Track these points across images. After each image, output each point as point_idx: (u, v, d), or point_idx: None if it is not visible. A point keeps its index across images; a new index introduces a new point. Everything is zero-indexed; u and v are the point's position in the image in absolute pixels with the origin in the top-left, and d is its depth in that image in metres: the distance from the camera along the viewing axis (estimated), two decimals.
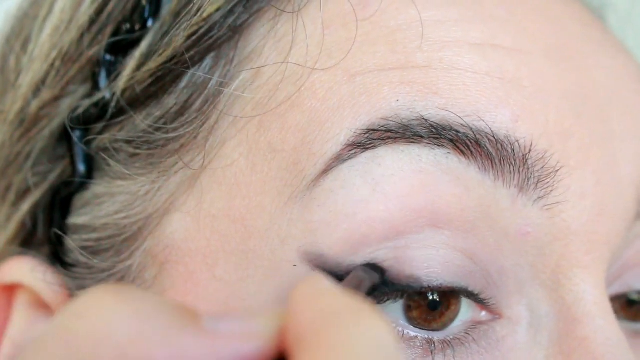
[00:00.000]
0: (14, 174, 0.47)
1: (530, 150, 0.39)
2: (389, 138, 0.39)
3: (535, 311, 0.40)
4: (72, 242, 0.44)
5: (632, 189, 0.42)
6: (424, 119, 0.39)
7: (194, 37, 0.41)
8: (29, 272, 0.46)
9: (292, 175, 0.39)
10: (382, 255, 0.39)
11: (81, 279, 0.44)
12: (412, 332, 0.39)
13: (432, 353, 0.39)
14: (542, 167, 0.40)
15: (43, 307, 0.46)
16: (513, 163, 0.39)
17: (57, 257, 0.46)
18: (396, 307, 0.39)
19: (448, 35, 0.40)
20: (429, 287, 0.39)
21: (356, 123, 0.39)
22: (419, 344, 0.39)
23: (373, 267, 0.39)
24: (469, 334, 0.39)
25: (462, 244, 0.39)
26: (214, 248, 0.40)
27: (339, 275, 0.38)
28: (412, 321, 0.39)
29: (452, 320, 0.40)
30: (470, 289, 0.39)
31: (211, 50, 0.42)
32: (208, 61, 0.42)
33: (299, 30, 0.41)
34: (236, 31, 0.41)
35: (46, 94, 0.45)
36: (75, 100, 0.45)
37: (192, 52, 0.41)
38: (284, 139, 0.40)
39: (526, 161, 0.39)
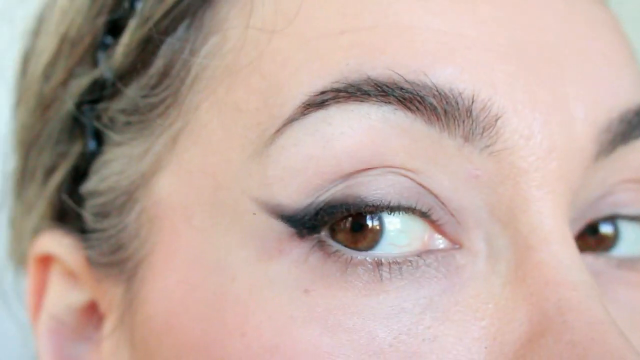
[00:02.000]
0: (37, 155, 0.52)
1: (473, 101, 0.40)
2: (340, 98, 0.41)
3: (494, 244, 0.41)
4: (86, 209, 0.49)
5: (588, 128, 0.42)
6: (370, 78, 0.41)
7: (167, 8, 0.45)
8: (58, 243, 0.50)
9: (255, 134, 0.42)
10: (338, 196, 0.41)
11: (94, 241, 0.48)
12: (360, 256, 0.41)
13: (381, 278, 0.40)
14: (486, 117, 0.41)
15: (73, 275, 0.50)
16: (457, 116, 0.40)
17: (80, 226, 0.50)
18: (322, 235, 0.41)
19: None
20: (373, 206, 0.40)
21: (311, 88, 0.41)
22: (370, 268, 0.40)
23: None
24: (422, 258, 0.41)
25: (413, 176, 0.41)
26: (191, 201, 0.44)
27: (297, 216, 0.41)
28: (339, 243, 0.41)
29: (376, 241, 0.41)
30: (418, 207, 0.41)
31: (184, 19, 0.45)
32: (182, 29, 0.45)
33: None
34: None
35: (55, 77, 0.50)
36: (83, 81, 0.49)
37: (167, 21, 0.45)
38: (247, 100, 0.43)
39: (470, 112, 0.40)
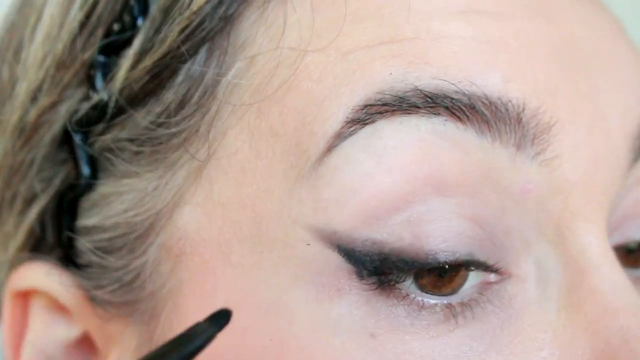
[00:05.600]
0: (18, 183, 0.48)
1: (523, 109, 0.40)
2: (387, 111, 0.40)
3: (543, 267, 0.41)
4: (85, 244, 0.45)
5: (624, 138, 0.43)
6: (418, 89, 0.40)
7: (186, 31, 0.42)
8: (44, 276, 0.46)
9: (296, 157, 0.40)
10: (397, 230, 0.39)
11: (96, 278, 0.45)
12: (432, 299, 0.40)
13: (454, 316, 0.40)
14: (537, 124, 0.40)
15: (60, 309, 0.47)
16: (508, 123, 0.40)
17: (69, 259, 0.46)
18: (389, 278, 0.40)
19: (432, 5, 0.41)
20: (445, 262, 0.39)
21: (353, 99, 0.40)
22: (439, 310, 0.40)
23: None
24: (483, 294, 0.40)
25: (470, 210, 0.40)
26: (227, 236, 0.41)
27: (355, 251, 0.39)
28: (422, 288, 0.40)
29: (461, 285, 0.40)
30: (481, 259, 0.40)
31: (204, 43, 0.42)
32: (202, 53, 0.42)
33: (289, 14, 0.42)
34: (227, 21, 0.42)
35: (44, 101, 0.45)
36: (74, 104, 0.45)
37: (186, 46, 0.42)
38: (284, 121, 0.41)
39: (520, 120, 0.40)
